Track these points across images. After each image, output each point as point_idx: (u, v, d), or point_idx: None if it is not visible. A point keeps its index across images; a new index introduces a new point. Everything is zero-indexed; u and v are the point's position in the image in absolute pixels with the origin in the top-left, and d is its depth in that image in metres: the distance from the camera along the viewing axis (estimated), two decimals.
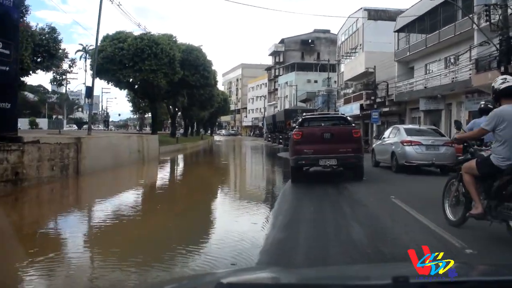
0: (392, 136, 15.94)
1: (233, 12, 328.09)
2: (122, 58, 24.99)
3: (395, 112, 35.48)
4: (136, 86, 28.53)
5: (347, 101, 45.73)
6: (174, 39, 27.70)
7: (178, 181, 15.12)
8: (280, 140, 41.33)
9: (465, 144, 6.50)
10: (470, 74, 24.41)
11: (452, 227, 6.18)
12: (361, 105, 39.92)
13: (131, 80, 25.64)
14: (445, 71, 27.41)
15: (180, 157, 26.11)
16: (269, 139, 53.06)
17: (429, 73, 30.54)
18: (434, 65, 30.28)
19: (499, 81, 5.57)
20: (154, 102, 29.40)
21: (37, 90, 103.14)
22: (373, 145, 18.63)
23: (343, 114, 16.64)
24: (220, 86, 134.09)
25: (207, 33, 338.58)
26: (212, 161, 25.39)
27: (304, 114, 16.84)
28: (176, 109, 38.26)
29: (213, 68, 30.86)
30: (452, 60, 28.13)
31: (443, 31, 27.03)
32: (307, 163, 12.04)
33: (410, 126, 17.61)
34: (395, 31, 35.00)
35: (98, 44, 25.99)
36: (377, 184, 11.90)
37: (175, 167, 20.31)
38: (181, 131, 53.28)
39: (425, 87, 29.21)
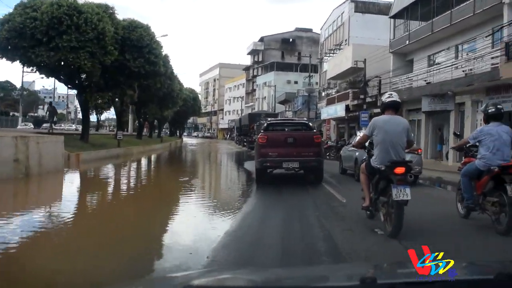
0: None
1: (213, 9, 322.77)
2: (35, 31, 18.43)
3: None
4: (66, 72, 21.83)
5: (330, 102, 39.91)
6: (111, 11, 21.12)
7: (61, 218, 8.44)
8: (245, 143, 40.75)
9: (367, 148, 7.05)
10: (493, 64, 18.71)
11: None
12: (347, 106, 34.14)
13: (46, 61, 18.94)
14: (459, 61, 21.52)
15: (109, 168, 19.23)
16: (237, 142, 49.88)
17: (434, 65, 24.64)
18: (441, 55, 24.37)
19: (386, 96, 6.64)
20: (84, 93, 22.68)
21: (3, 86, 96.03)
22: (341, 151, 17.73)
23: (306, 121, 17.08)
24: (197, 87, 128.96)
25: (186, 31, 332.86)
26: (149, 173, 18.75)
27: (269, 119, 17.70)
28: (124, 105, 31.60)
29: (163, 52, 24.12)
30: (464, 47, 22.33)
31: (456, 10, 21.20)
32: (271, 165, 12.40)
33: None
34: (390, 17, 29.19)
35: (7, 13, 19.83)
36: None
37: (80, 186, 13.49)
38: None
39: (428, 82, 23.34)
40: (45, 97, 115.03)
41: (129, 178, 15.53)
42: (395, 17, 28.51)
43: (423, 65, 25.64)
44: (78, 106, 67.08)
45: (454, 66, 21.62)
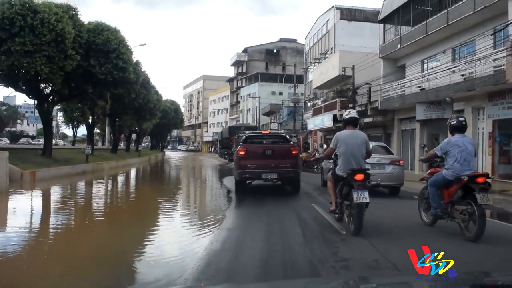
0: None
1: (197, 22, 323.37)
2: None
3: (379, 123, 27.81)
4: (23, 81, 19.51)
5: (317, 112, 38.05)
6: (73, 11, 18.96)
7: None
8: (226, 156, 40.76)
9: (334, 158, 7.85)
10: (495, 66, 17.00)
11: None
12: (335, 116, 32.25)
13: None
14: (459, 64, 19.75)
15: (69, 187, 16.58)
16: (220, 155, 49.10)
17: (428, 70, 22.89)
18: (437, 59, 22.63)
19: (346, 113, 7.80)
20: (45, 104, 20.35)
21: None
22: (322, 163, 17.29)
23: (283, 133, 17.24)
24: (181, 99, 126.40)
25: (170, 44, 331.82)
26: (114, 193, 16.32)
27: (247, 132, 18.21)
28: (96, 117, 29.14)
29: (134, 58, 21.94)
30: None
31: (453, 9, 19.50)
32: (250, 176, 12.70)
33: None
34: (379, 21, 27.49)
35: None
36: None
37: (22, 212, 11.11)
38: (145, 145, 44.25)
39: (422, 89, 21.60)
40: (26, 111, 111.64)
41: (89, 201, 13.20)
42: (384, 20, 26.82)
43: (416, 70, 23.93)
44: (60, 120, 64.07)
45: (451, 70, 19.87)
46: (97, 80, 20.53)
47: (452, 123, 7.17)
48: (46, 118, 20.77)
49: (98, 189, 16.63)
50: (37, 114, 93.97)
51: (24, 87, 19.91)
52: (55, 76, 17.86)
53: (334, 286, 2.40)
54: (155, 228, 8.73)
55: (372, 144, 16.43)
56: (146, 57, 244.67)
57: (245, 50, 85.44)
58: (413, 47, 23.65)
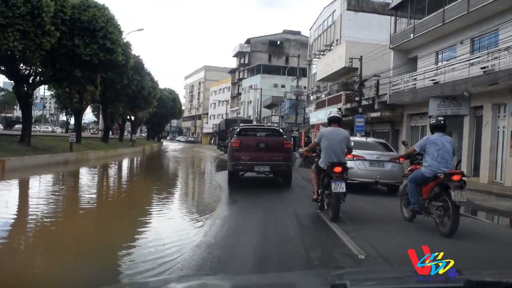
0: None
1: (200, 13, 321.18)
2: None
3: (386, 118, 26.04)
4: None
5: (320, 106, 36.31)
6: None
7: None
8: (222, 148, 41.22)
9: (318, 152, 8.54)
10: None
11: None
12: (339, 110, 30.39)
13: None
14: (481, 54, 17.96)
15: (42, 179, 14.75)
16: (218, 147, 48.82)
17: (444, 62, 21.10)
18: (453, 50, 20.83)
19: (329, 113, 8.68)
20: (23, 86, 18.55)
21: None
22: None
23: (276, 127, 17.31)
24: (181, 90, 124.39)
25: (173, 34, 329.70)
26: (89, 188, 14.41)
27: (242, 124, 17.88)
28: (84, 103, 27.27)
29: (124, 38, 20.09)
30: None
31: None
32: (243, 168, 12.93)
33: (356, 138, 15.53)
34: (391, 8, 25.65)
35: None
36: None
37: None
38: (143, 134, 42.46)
39: (436, 82, 19.87)
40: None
41: (55, 197, 11.43)
42: (396, 8, 24.97)
43: (429, 62, 22.12)
44: (55, 106, 61.50)
45: (470, 62, 18.09)
46: (83, 62, 18.74)
47: (432, 122, 7.54)
48: (25, 101, 18.93)
49: (73, 182, 14.84)
50: (36, 100, 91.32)
51: (2, 67, 18.10)
52: (34, 55, 16.12)
53: (329, 277, 2.25)
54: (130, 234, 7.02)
55: (371, 140, 15.12)
56: (148, 46, 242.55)
57: (248, 41, 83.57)
58: (427, 37, 21.80)
